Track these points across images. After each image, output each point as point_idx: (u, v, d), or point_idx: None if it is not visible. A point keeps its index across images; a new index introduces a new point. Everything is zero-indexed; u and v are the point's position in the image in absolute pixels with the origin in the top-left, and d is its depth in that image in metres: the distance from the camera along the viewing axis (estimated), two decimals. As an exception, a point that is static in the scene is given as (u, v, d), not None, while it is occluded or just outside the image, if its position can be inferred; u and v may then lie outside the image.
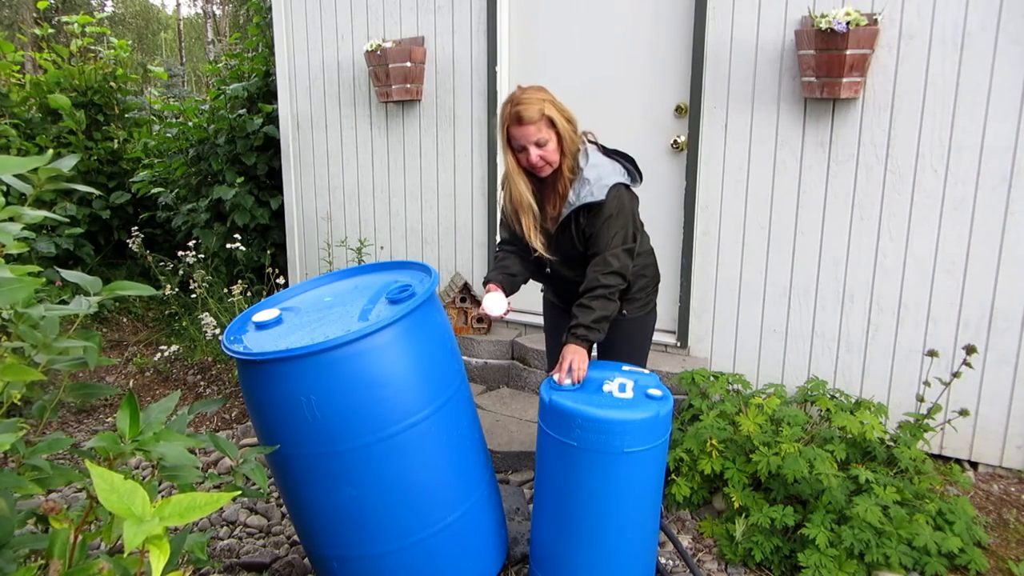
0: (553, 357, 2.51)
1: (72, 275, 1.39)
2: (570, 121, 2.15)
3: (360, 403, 1.87)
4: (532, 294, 2.76)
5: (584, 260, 2.23)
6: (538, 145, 2.10)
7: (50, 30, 6.10)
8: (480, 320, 3.81)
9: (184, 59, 20.89)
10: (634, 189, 2.24)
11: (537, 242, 2.24)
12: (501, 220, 2.38)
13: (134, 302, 5.32)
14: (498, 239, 2.46)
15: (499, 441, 3.10)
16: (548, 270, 2.35)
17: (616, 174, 2.16)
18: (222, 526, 2.77)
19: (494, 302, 2.23)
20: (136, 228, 5.26)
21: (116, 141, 5.79)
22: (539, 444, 2.14)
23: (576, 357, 2.08)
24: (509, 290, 2.29)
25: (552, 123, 2.10)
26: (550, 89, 2.18)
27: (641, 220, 2.29)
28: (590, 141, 2.25)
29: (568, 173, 2.18)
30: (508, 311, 2.24)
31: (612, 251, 2.13)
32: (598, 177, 2.12)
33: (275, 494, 2.84)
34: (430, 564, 2.05)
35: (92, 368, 1.66)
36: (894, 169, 2.90)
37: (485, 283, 2.30)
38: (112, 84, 5.82)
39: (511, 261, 2.34)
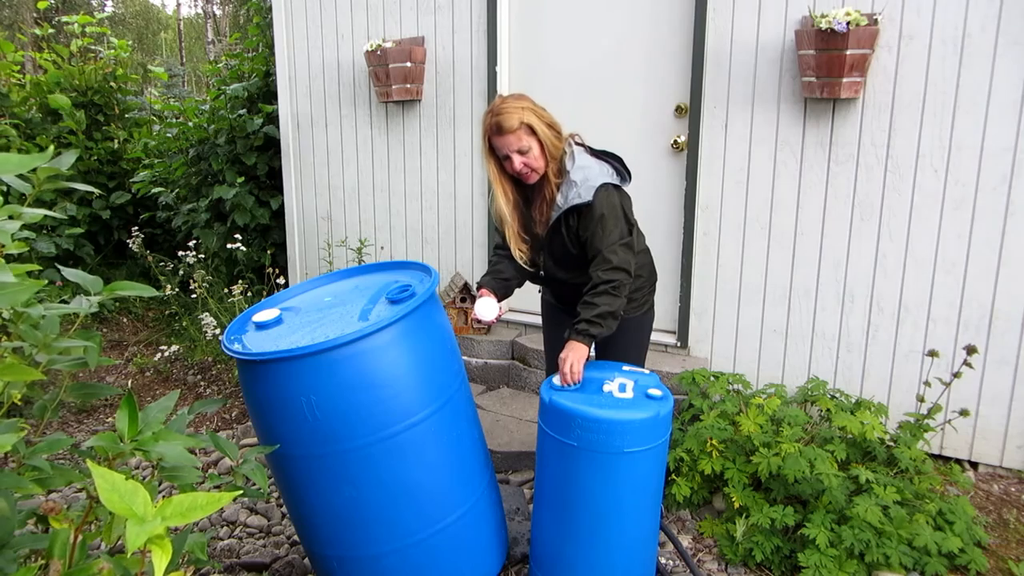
0: (551, 358, 2.51)
1: (73, 274, 1.39)
2: (552, 127, 2.16)
3: (360, 403, 1.87)
4: (533, 294, 2.76)
5: (577, 262, 2.24)
6: (520, 153, 2.13)
7: (50, 30, 6.11)
8: (479, 320, 3.80)
9: (184, 59, 20.89)
10: (625, 188, 2.24)
11: (518, 249, 2.28)
12: (501, 253, 2.40)
13: (134, 302, 5.32)
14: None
15: (499, 441, 3.10)
16: (542, 273, 2.35)
17: (603, 175, 2.16)
18: (222, 526, 2.77)
19: (485, 307, 2.25)
20: (136, 228, 5.26)
21: (116, 141, 5.79)
22: (539, 444, 2.14)
23: (573, 355, 2.08)
24: (502, 294, 2.31)
25: (532, 130, 2.11)
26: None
27: (635, 219, 2.29)
28: (577, 143, 2.25)
29: (554, 177, 2.19)
30: (500, 315, 2.28)
31: (610, 248, 2.13)
32: (585, 179, 2.13)
33: (275, 494, 2.84)
34: (430, 564, 2.05)
35: (92, 368, 1.66)
36: (894, 169, 2.90)
37: (478, 287, 2.32)
38: (112, 84, 5.82)
39: (504, 265, 2.36)
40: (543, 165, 2.17)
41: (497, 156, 2.18)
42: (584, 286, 2.18)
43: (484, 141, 2.18)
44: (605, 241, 2.13)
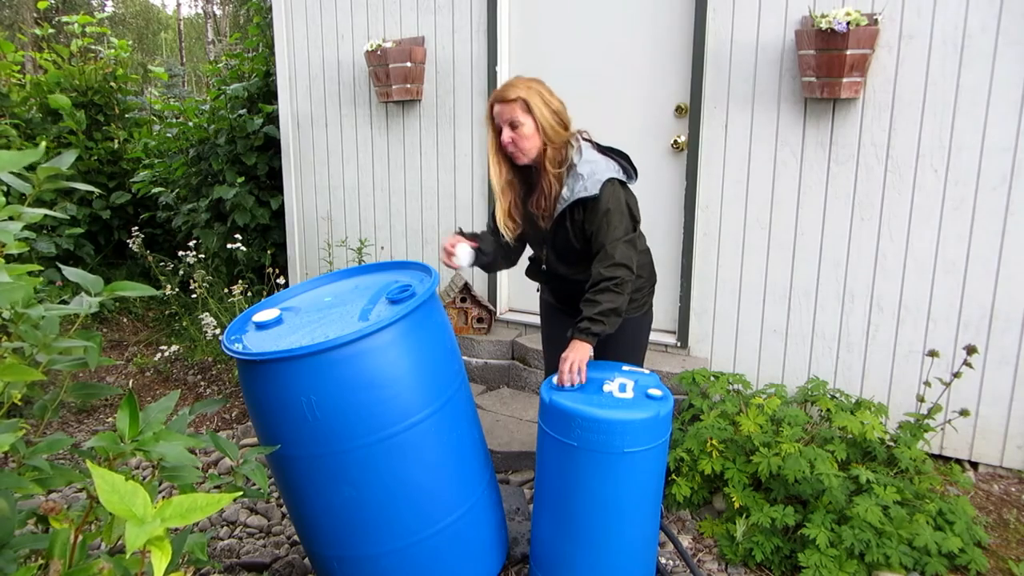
0: (550, 358, 2.51)
1: (73, 274, 1.39)
2: (557, 114, 2.16)
3: (360, 403, 1.86)
4: (532, 294, 2.76)
5: (579, 257, 2.24)
6: (512, 126, 2.13)
7: (50, 30, 6.11)
8: (480, 320, 3.80)
9: (184, 59, 20.90)
10: (630, 186, 2.24)
11: (505, 227, 2.28)
12: (491, 225, 2.38)
13: (134, 302, 5.32)
14: None
15: (499, 441, 3.10)
16: (544, 267, 2.35)
17: (610, 170, 2.16)
18: (222, 526, 2.77)
19: (463, 250, 2.21)
20: (136, 228, 5.26)
21: (116, 141, 5.79)
22: (539, 444, 2.14)
23: (575, 354, 2.08)
24: (472, 258, 2.27)
25: (529, 108, 2.12)
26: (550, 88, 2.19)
27: (640, 217, 2.29)
28: (584, 139, 2.25)
29: (552, 168, 2.18)
30: (468, 265, 2.24)
31: (612, 243, 2.13)
32: (591, 172, 2.13)
33: (275, 494, 2.84)
34: (430, 564, 2.05)
35: (93, 368, 1.66)
36: (894, 169, 2.90)
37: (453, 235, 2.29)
38: (112, 84, 5.82)
39: (485, 235, 2.35)
40: (534, 147, 2.16)
41: (496, 127, 2.19)
42: (584, 283, 2.18)
43: (488, 110, 2.20)
44: (609, 236, 2.13)
